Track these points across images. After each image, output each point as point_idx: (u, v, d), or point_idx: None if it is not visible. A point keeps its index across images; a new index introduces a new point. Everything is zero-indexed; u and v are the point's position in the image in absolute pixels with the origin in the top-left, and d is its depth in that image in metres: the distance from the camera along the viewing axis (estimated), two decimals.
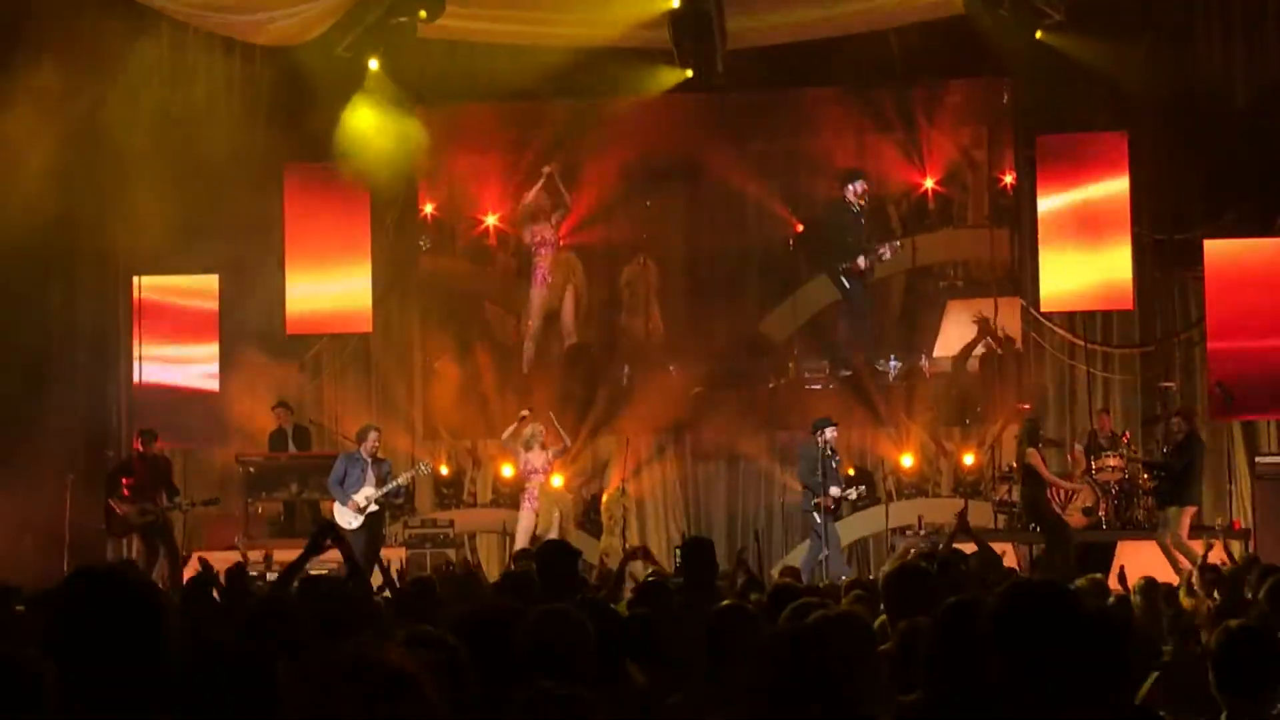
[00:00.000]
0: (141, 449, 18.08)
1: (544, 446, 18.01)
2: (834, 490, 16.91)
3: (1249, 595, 9.11)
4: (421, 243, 20.98)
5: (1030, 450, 16.93)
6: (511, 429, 18.28)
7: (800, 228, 20.21)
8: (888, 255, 18.15)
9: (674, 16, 18.75)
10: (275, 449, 19.70)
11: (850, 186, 17.54)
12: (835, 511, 17.02)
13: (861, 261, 17.67)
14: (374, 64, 19.63)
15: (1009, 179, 20.25)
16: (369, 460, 16.88)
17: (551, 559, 8.22)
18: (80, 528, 18.04)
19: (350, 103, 19.75)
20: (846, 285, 19.40)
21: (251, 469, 19.35)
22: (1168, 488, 17.05)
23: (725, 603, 6.39)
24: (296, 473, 19.27)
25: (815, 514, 17.08)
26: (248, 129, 19.37)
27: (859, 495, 17.41)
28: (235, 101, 19.53)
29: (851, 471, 19.64)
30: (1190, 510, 16.92)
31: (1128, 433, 18.94)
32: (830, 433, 17.22)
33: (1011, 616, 4.31)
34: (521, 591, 7.83)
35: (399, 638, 4.07)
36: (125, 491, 17.86)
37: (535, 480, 17.84)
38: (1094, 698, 4.36)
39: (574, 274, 17.83)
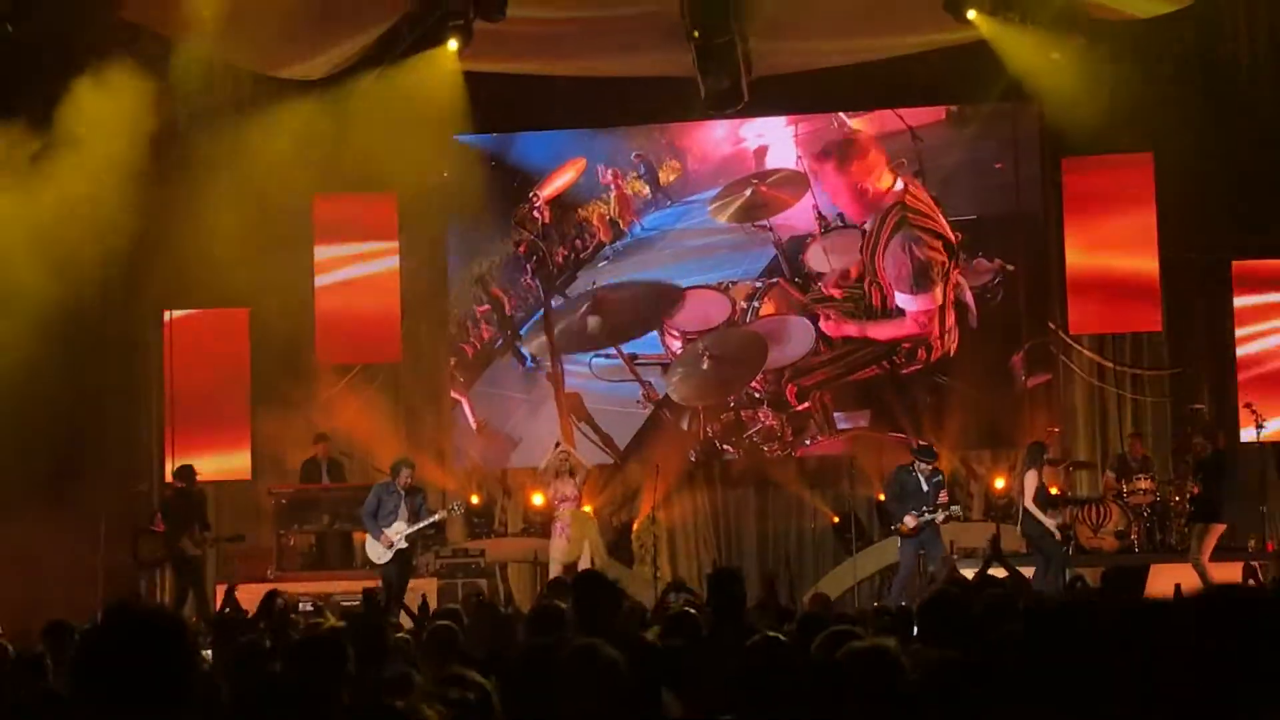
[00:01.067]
0: (178, 484, 18.18)
1: (572, 473, 17.98)
2: (908, 519, 16.98)
3: None
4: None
5: (1029, 472, 16.94)
6: (547, 459, 18.32)
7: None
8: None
9: (699, 46, 18.82)
10: (306, 480, 19.76)
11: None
12: (916, 536, 17.00)
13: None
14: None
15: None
16: (404, 493, 16.89)
17: (589, 589, 8.21)
18: (113, 567, 18.14)
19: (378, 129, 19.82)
20: None
21: (283, 500, 19.41)
22: (1197, 507, 17.03)
23: (760, 635, 6.39)
24: (328, 504, 19.33)
25: (898, 538, 17.34)
26: (275, 159, 19.43)
27: (949, 517, 17.38)
28: (267, 134, 19.56)
29: (883, 498, 19.65)
30: (1217, 529, 16.87)
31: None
32: (923, 464, 17.28)
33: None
34: (551, 626, 7.84)
35: (430, 679, 4.10)
36: (158, 527, 17.95)
37: (566, 508, 17.83)
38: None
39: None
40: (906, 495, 17.18)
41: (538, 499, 19.30)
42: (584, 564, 17.00)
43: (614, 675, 4.81)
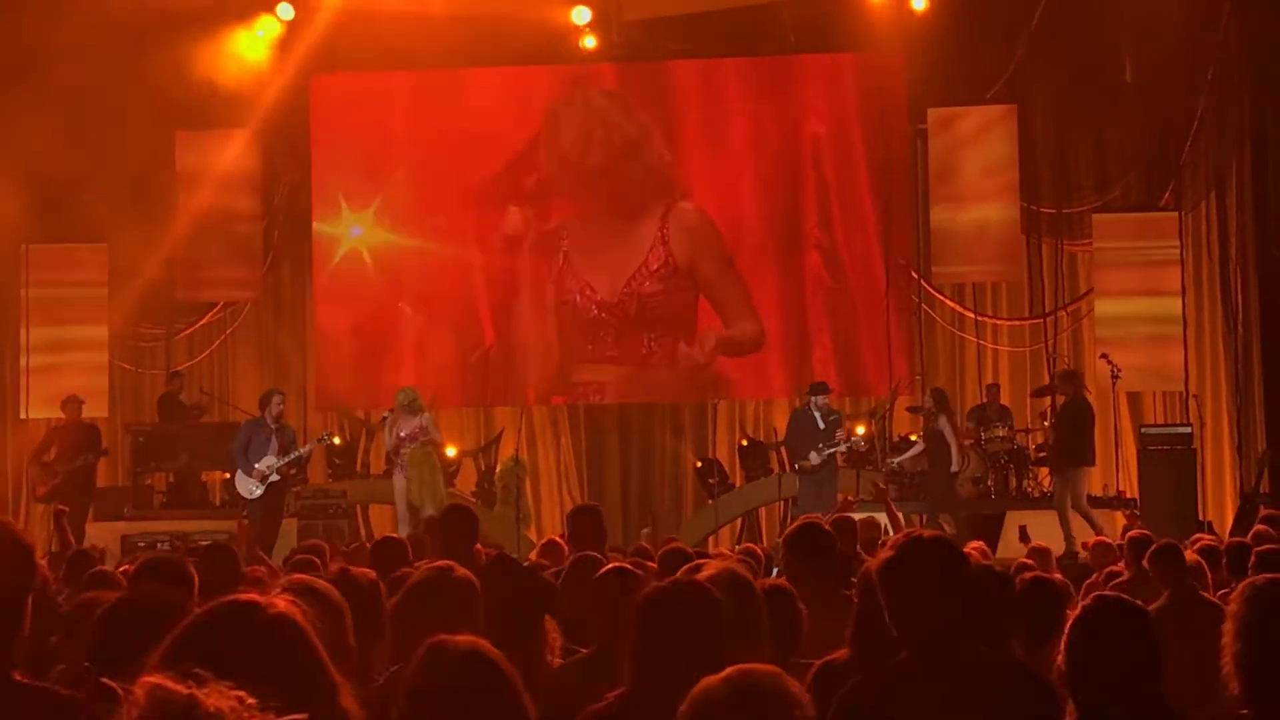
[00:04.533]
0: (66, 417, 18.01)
1: (413, 412, 17.49)
2: (812, 455, 16.97)
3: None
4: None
5: (944, 418, 17.05)
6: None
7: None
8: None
9: None
10: (165, 417, 19.51)
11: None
12: (816, 474, 17.05)
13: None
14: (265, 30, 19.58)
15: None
16: (273, 427, 16.71)
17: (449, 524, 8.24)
18: None
19: (245, 67, 19.62)
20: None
21: (141, 439, 19.16)
22: (1061, 452, 17.17)
23: (610, 565, 6.44)
24: (188, 442, 19.08)
25: (799, 478, 17.27)
26: (137, 93, 19.17)
27: (851, 449, 17.39)
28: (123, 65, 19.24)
29: (745, 443, 19.79)
30: (1087, 471, 17.15)
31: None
32: (821, 399, 17.27)
33: (905, 568, 4.46)
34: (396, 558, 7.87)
35: (279, 587, 4.07)
36: (50, 457, 17.77)
37: (407, 448, 17.36)
38: (981, 644, 4.51)
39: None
40: (804, 434, 17.18)
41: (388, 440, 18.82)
42: (428, 502, 16.75)
43: (470, 594, 4.81)
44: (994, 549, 14.58)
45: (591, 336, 20.40)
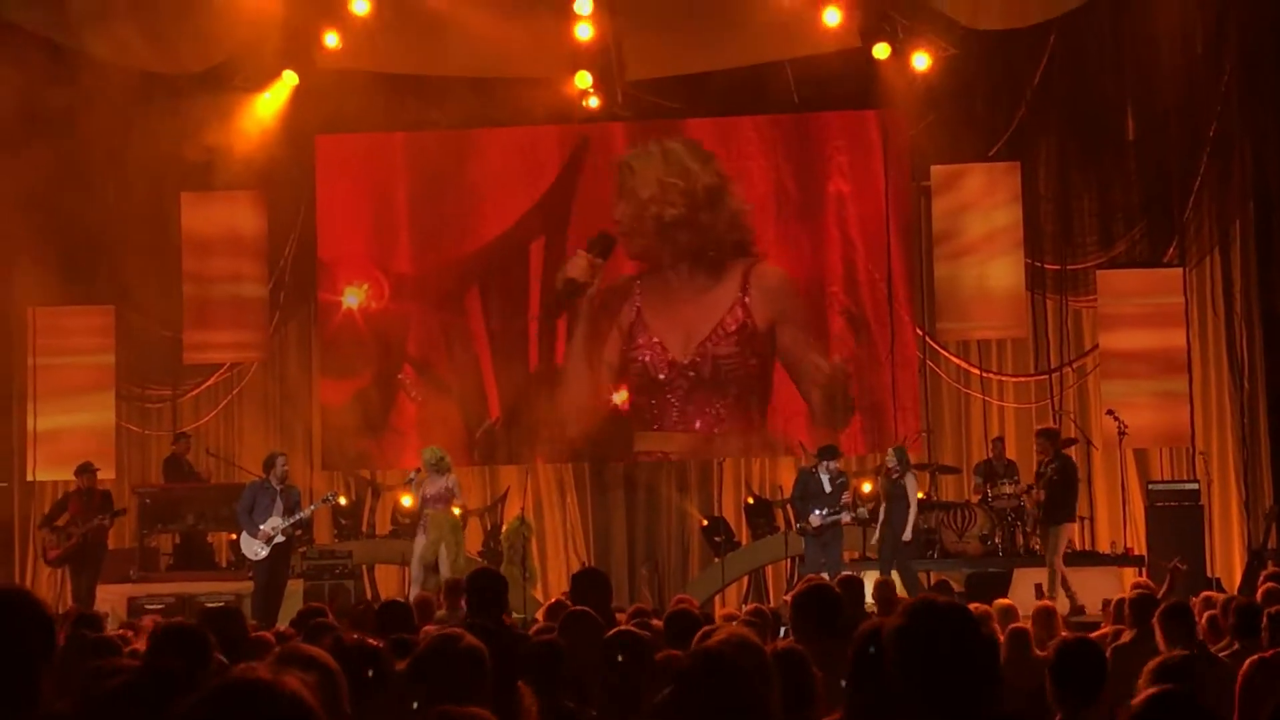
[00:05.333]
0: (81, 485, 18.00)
1: (440, 472, 17.52)
2: (812, 518, 16.95)
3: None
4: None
5: (911, 476, 17.11)
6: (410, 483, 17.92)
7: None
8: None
9: (577, 48, 18.97)
10: (170, 479, 19.51)
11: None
12: (819, 536, 17.01)
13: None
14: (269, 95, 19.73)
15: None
16: (278, 489, 16.71)
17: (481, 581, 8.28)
18: None
19: (248, 132, 19.74)
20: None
21: (148, 500, 19.15)
22: (1045, 512, 17.26)
23: (619, 628, 6.44)
24: (194, 504, 19.06)
25: (803, 538, 17.24)
26: (142, 156, 19.30)
27: (855, 519, 17.31)
28: (131, 130, 19.35)
29: (751, 501, 19.76)
30: (1068, 529, 17.17)
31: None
32: (831, 464, 17.25)
33: (913, 633, 4.42)
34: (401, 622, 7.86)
35: (274, 656, 4.08)
36: (63, 521, 17.77)
37: (430, 508, 17.40)
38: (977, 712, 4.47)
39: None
40: (809, 496, 17.16)
41: (406, 500, 19.01)
42: (442, 565, 16.78)
43: (476, 661, 4.81)
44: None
45: (658, 399, 20.23)
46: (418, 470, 17.31)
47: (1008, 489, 18.33)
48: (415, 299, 20.54)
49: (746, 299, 20.18)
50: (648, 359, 20.21)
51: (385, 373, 20.42)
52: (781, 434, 20.02)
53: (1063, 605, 15.52)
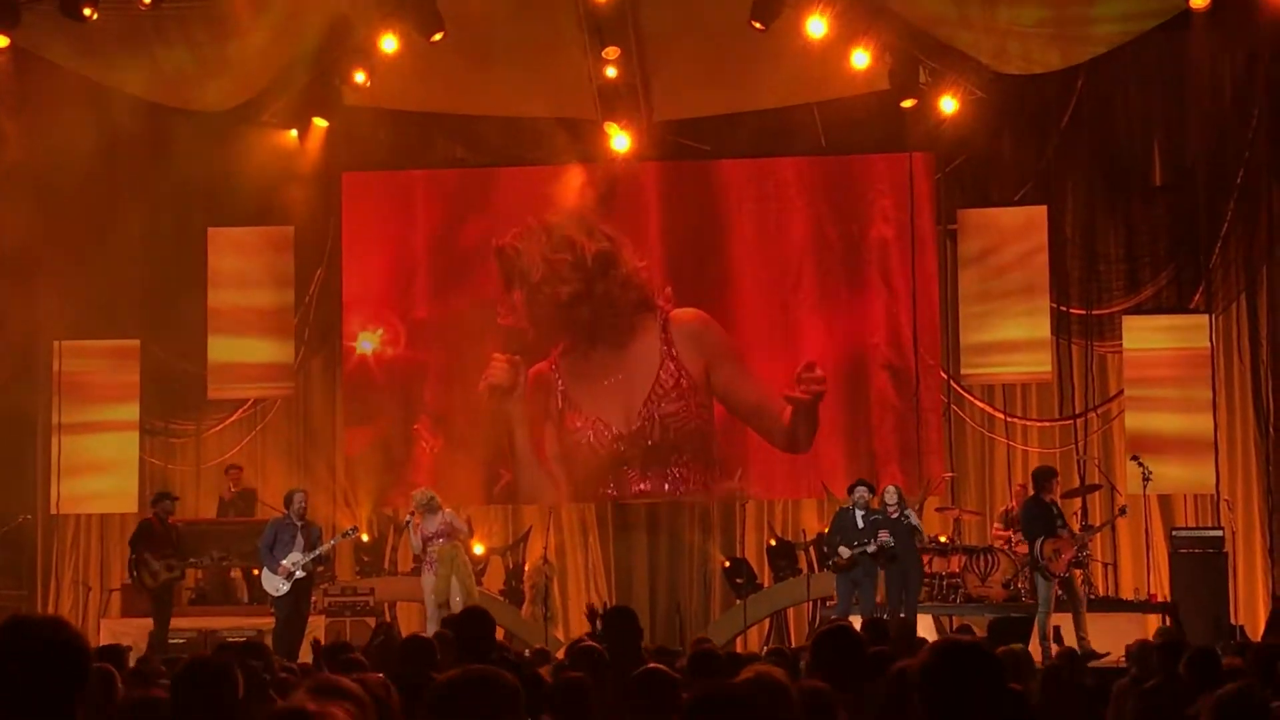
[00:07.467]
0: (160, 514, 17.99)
1: (434, 510, 17.43)
2: (841, 550, 16.88)
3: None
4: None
5: (911, 511, 17.08)
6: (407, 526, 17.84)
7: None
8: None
9: (603, 88, 19.04)
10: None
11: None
12: (850, 572, 16.95)
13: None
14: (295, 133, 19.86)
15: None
16: (299, 525, 16.70)
17: (467, 625, 8.20)
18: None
19: (275, 168, 19.83)
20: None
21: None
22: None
23: (648, 666, 6.42)
24: (219, 539, 19.03)
25: (834, 577, 17.16)
26: (168, 190, 19.42)
27: (880, 548, 17.14)
28: (158, 165, 19.44)
29: (773, 543, 19.70)
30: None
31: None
32: (860, 492, 17.17)
33: (941, 671, 4.42)
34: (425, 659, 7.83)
35: (307, 686, 4.06)
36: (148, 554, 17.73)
37: (434, 545, 17.31)
38: None
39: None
40: (844, 531, 17.12)
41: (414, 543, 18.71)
42: (456, 597, 16.75)
43: (511, 696, 4.77)
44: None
45: (612, 476, 20.21)
46: (411, 514, 17.27)
47: None
48: (432, 347, 20.55)
49: (674, 351, 20.06)
50: (590, 438, 20.12)
51: (403, 422, 20.41)
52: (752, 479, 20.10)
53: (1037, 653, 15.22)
